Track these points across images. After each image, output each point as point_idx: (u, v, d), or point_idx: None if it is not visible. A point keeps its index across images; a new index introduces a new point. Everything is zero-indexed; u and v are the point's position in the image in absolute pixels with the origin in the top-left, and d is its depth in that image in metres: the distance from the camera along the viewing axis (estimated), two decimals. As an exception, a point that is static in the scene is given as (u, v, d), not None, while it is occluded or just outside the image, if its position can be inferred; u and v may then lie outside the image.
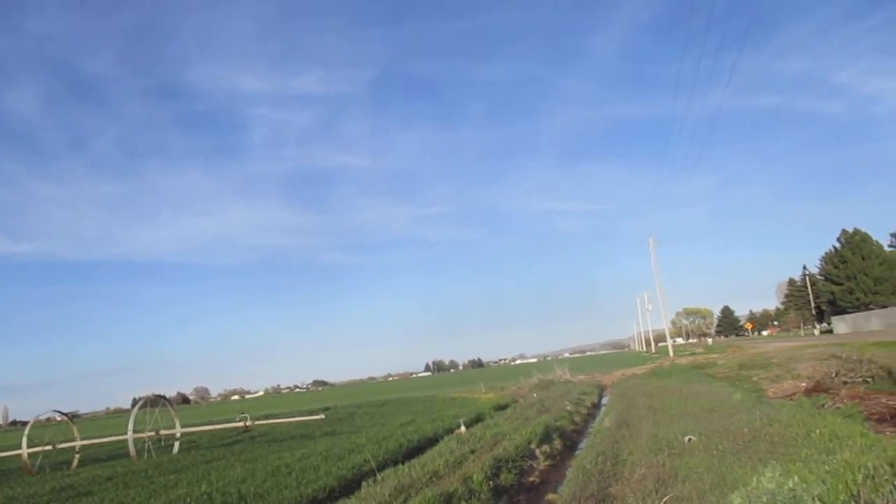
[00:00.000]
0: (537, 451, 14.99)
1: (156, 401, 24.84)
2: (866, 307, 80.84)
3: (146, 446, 22.02)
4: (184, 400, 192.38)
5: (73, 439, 23.68)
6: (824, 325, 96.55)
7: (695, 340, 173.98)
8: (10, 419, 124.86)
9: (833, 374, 19.22)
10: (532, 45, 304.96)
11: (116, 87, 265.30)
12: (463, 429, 19.51)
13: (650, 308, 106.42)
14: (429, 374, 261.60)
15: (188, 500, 11.69)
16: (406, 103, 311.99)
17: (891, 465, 6.43)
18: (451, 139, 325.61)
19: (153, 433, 23.04)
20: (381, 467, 13.52)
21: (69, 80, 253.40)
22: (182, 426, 24.65)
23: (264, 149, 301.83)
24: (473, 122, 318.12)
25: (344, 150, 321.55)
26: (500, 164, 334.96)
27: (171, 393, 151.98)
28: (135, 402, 23.62)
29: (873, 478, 6.06)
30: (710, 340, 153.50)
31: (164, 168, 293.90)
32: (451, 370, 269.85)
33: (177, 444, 23.17)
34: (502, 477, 11.95)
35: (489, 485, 11.12)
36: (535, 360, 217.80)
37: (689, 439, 11.51)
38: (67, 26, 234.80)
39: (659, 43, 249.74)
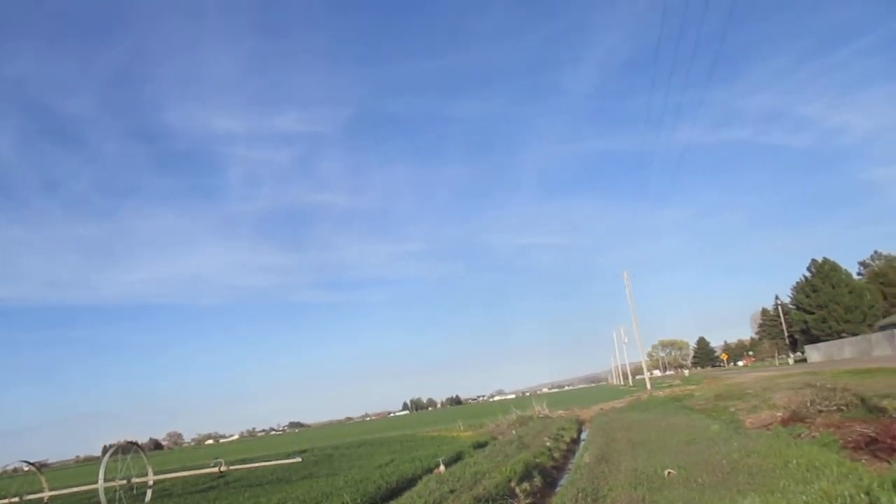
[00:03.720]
0: (517, 490, 14.84)
1: (127, 447, 24.21)
2: (838, 335, 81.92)
3: (117, 495, 21.40)
4: (156, 446, 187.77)
5: (41, 490, 22.98)
6: (798, 353, 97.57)
7: (672, 372, 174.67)
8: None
9: (808, 403, 19.32)
10: (508, 82, 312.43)
11: (93, 127, 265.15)
12: (442, 468, 19.29)
13: (626, 341, 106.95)
14: (407, 412, 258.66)
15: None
16: (383, 141, 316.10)
17: (867, 493, 6.47)
18: (428, 176, 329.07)
19: (125, 481, 22.39)
20: (360, 510, 13.30)
21: (45, 122, 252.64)
22: (155, 473, 24.05)
23: (241, 188, 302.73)
24: (450, 159, 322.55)
25: (321, 189, 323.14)
26: (478, 200, 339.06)
27: (143, 439, 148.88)
28: (105, 449, 22.99)
29: (850, 507, 6.08)
30: (686, 372, 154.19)
31: (141, 209, 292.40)
32: (430, 408, 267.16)
33: (149, 493, 22.56)
34: (482, 517, 11.80)
35: (469, 525, 10.98)
36: (513, 395, 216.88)
37: (669, 473, 11.49)
38: (44, 67, 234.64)
39: (633, 78, 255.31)
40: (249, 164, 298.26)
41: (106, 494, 21.12)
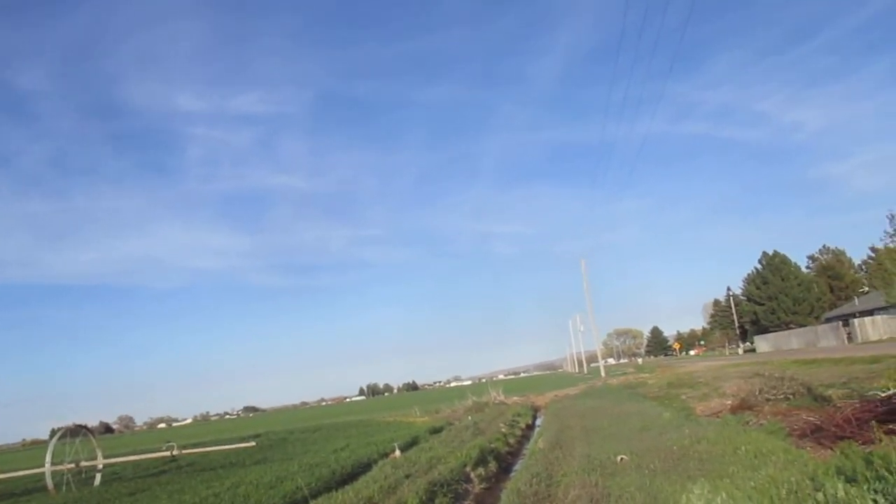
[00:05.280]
0: (472, 475, 14.93)
1: (76, 431, 23.65)
2: (787, 326, 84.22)
3: (65, 479, 20.91)
4: (107, 429, 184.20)
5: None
6: (748, 344, 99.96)
7: (626, 360, 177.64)
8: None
9: (757, 392, 19.78)
10: (472, 68, 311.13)
11: (47, 102, 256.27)
12: (398, 453, 19.30)
13: (582, 329, 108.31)
14: (363, 397, 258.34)
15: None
16: (345, 125, 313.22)
17: (811, 479, 6.64)
18: (389, 161, 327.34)
19: (73, 465, 21.89)
20: (315, 494, 13.23)
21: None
22: (105, 457, 23.56)
23: (200, 168, 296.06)
24: (412, 144, 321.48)
25: (281, 171, 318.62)
26: (439, 186, 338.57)
27: (93, 422, 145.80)
28: (53, 432, 22.42)
29: (796, 492, 6.24)
30: (640, 360, 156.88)
31: (94, 187, 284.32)
32: (386, 394, 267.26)
33: (98, 476, 22.11)
34: (437, 501, 11.84)
35: (424, 510, 11.01)
36: (469, 382, 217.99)
37: (622, 459, 11.66)
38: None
39: (596, 69, 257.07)
40: (209, 143, 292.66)
41: (53, 478, 20.63)
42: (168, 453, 24.19)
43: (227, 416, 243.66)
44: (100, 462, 22.88)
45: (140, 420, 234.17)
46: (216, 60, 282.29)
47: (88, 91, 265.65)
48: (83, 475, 22.41)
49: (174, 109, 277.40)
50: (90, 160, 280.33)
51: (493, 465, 16.66)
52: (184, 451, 24.74)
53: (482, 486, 14.65)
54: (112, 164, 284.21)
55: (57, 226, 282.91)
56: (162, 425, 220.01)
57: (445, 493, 12.42)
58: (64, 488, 20.38)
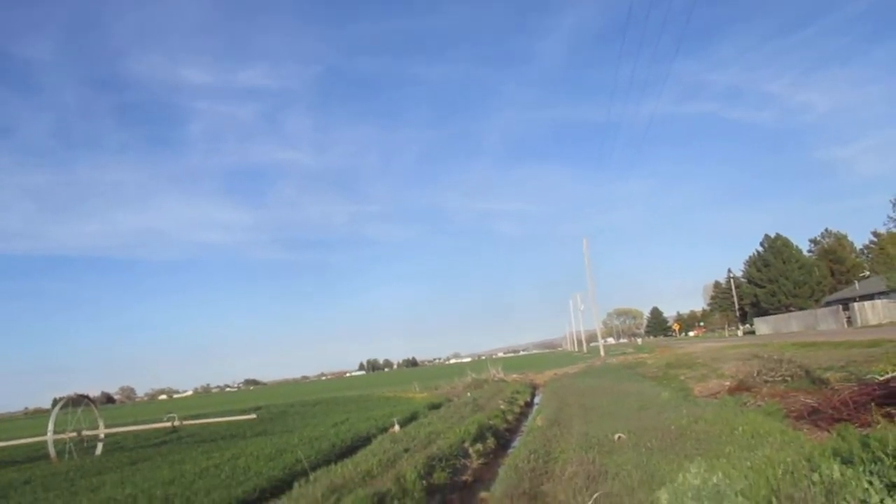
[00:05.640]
0: (471, 450, 15.05)
1: (78, 400, 23.84)
2: (786, 309, 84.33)
3: (67, 448, 21.13)
4: (108, 399, 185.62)
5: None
6: (747, 326, 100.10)
7: (625, 340, 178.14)
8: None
9: (755, 374, 19.90)
10: (478, 46, 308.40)
11: (51, 73, 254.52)
12: (397, 428, 19.45)
13: (583, 308, 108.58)
14: (363, 373, 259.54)
15: (112, 503, 11.28)
16: (350, 101, 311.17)
17: (808, 460, 6.68)
18: (393, 138, 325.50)
19: (75, 434, 22.10)
20: (314, 467, 13.34)
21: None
22: (106, 427, 23.76)
23: (204, 142, 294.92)
24: (417, 122, 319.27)
25: (286, 146, 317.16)
26: (442, 164, 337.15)
27: (95, 392, 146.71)
28: (56, 401, 22.59)
29: (792, 473, 6.29)
30: (639, 340, 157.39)
31: (98, 159, 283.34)
32: (386, 369, 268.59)
33: (100, 446, 22.33)
34: (435, 476, 11.94)
35: (422, 484, 11.10)
36: (469, 359, 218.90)
37: (619, 437, 11.75)
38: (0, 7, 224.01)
39: (603, 49, 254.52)
40: (214, 117, 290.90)
41: (55, 447, 20.84)
42: (169, 424, 24.40)
43: (228, 389, 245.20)
44: (101, 431, 23.07)
45: (141, 391, 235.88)
46: (221, 34, 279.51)
47: (93, 63, 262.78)
48: (85, 444, 22.63)
49: (179, 82, 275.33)
50: (94, 132, 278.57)
51: (491, 442, 16.79)
52: (185, 423, 24.98)
53: (480, 461, 14.77)
54: (116, 136, 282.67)
55: (60, 198, 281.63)
56: (163, 397, 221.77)
57: (444, 467, 12.53)
58: (66, 456, 20.60)
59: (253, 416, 27.41)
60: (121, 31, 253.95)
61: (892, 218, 52.77)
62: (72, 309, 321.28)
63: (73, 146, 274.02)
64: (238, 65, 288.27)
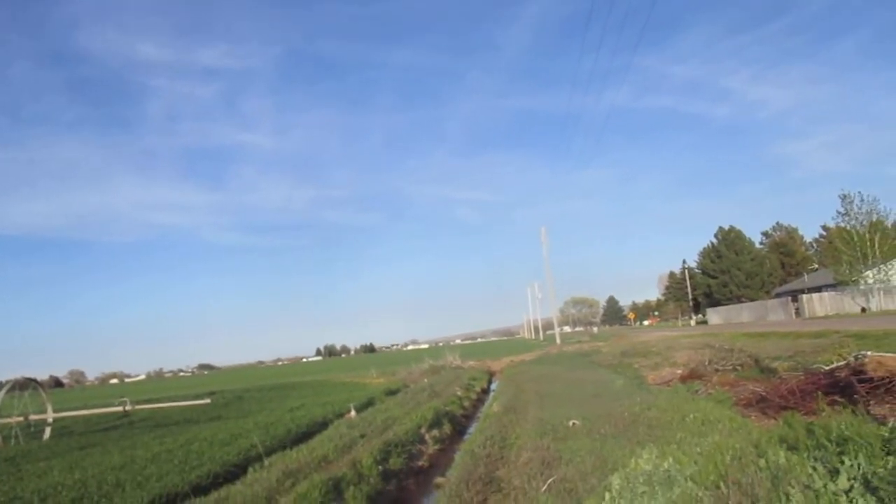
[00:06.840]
0: (427, 436, 15.11)
1: (25, 384, 23.22)
2: (738, 300, 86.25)
3: (13, 432, 20.61)
4: (57, 383, 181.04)
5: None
6: (700, 316, 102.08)
7: (581, 329, 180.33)
8: None
9: (706, 362, 20.35)
10: (443, 33, 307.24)
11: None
12: (353, 413, 19.42)
13: (540, 296, 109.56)
14: (320, 358, 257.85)
15: (60, 488, 11.02)
16: (312, 83, 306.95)
17: (755, 446, 6.86)
18: (355, 122, 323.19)
19: (21, 418, 21.54)
20: (269, 452, 13.26)
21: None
22: (55, 411, 23.23)
23: (162, 121, 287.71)
24: (379, 107, 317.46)
25: (245, 128, 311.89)
26: (404, 150, 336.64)
27: (43, 376, 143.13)
28: (1, 385, 21.97)
29: (740, 458, 6.44)
30: (595, 329, 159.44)
31: (48, 137, 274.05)
32: (343, 355, 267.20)
33: (48, 430, 21.81)
34: (392, 461, 11.96)
35: (378, 469, 11.12)
36: (427, 345, 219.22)
37: (574, 423, 11.90)
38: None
39: (566, 39, 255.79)
40: (171, 96, 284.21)
41: (1, 431, 20.30)
42: (120, 409, 23.96)
43: (182, 374, 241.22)
44: (49, 416, 22.55)
45: (91, 375, 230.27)
46: (180, 10, 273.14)
47: (43, 35, 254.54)
48: (32, 429, 22.09)
49: (134, 58, 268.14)
50: (45, 108, 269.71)
51: (447, 428, 16.88)
52: (136, 407, 24.51)
53: (436, 447, 14.85)
54: (68, 113, 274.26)
55: (7, 176, 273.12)
56: (114, 381, 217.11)
57: (400, 453, 12.55)
58: (13, 441, 20.09)
59: (207, 400, 27.06)
60: (73, 1, 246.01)
61: (840, 213, 54.40)
62: (19, 290, 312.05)
63: (22, 123, 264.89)
64: (197, 43, 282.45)
